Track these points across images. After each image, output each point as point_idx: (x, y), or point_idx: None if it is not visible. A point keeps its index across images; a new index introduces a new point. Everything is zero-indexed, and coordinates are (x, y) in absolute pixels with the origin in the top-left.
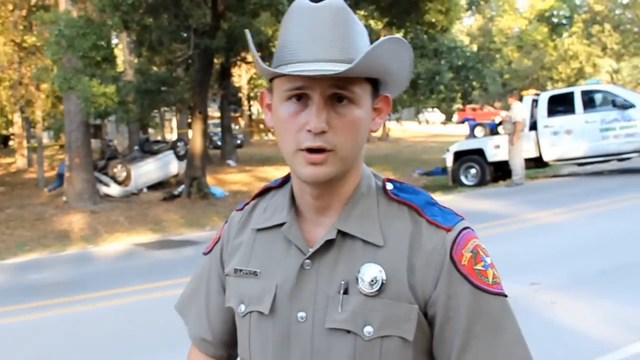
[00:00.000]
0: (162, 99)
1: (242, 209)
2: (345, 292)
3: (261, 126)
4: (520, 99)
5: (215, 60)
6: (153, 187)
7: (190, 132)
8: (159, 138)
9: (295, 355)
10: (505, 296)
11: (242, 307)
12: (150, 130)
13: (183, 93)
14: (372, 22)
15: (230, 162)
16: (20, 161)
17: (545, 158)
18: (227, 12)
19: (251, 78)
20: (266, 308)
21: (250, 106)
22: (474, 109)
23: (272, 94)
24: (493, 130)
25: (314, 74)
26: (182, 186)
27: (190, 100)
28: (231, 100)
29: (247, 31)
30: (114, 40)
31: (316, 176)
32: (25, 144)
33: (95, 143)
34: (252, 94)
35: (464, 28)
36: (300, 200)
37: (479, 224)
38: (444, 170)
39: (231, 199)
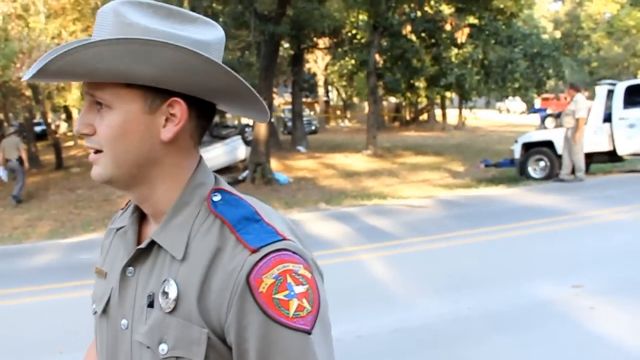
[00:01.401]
0: None
1: (124, 207)
2: (151, 305)
3: (337, 112)
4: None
5: (287, 46)
6: (220, 172)
7: None
8: (234, 123)
9: None
10: (309, 333)
11: (93, 306)
12: (228, 115)
13: (254, 79)
14: (444, 7)
15: (300, 148)
16: None
17: (620, 152)
18: None
19: (327, 64)
20: (100, 310)
21: (327, 92)
22: (557, 98)
23: None
24: None
25: (26, 76)
26: (247, 171)
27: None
28: (303, 87)
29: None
30: None
31: (94, 176)
32: None
33: None
34: (328, 80)
35: (549, 14)
36: None
37: (535, 219)
38: (512, 162)
39: (295, 185)
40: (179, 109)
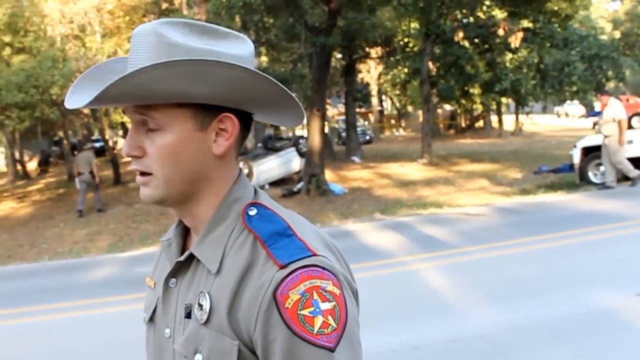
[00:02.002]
0: None
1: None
2: (188, 315)
3: (392, 121)
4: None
5: (339, 57)
6: (275, 184)
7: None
8: (288, 135)
9: None
10: (332, 351)
11: (144, 315)
12: (282, 128)
13: (307, 90)
14: (497, 11)
15: (355, 158)
16: None
17: None
18: (344, 9)
19: (380, 73)
20: (147, 318)
21: (381, 101)
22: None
23: None
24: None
25: (68, 105)
26: (302, 183)
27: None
28: (356, 97)
29: None
30: None
31: (144, 197)
32: None
33: None
34: (381, 89)
35: (607, 14)
36: None
37: (596, 226)
38: (571, 167)
39: (350, 195)
40: (230, 123)
